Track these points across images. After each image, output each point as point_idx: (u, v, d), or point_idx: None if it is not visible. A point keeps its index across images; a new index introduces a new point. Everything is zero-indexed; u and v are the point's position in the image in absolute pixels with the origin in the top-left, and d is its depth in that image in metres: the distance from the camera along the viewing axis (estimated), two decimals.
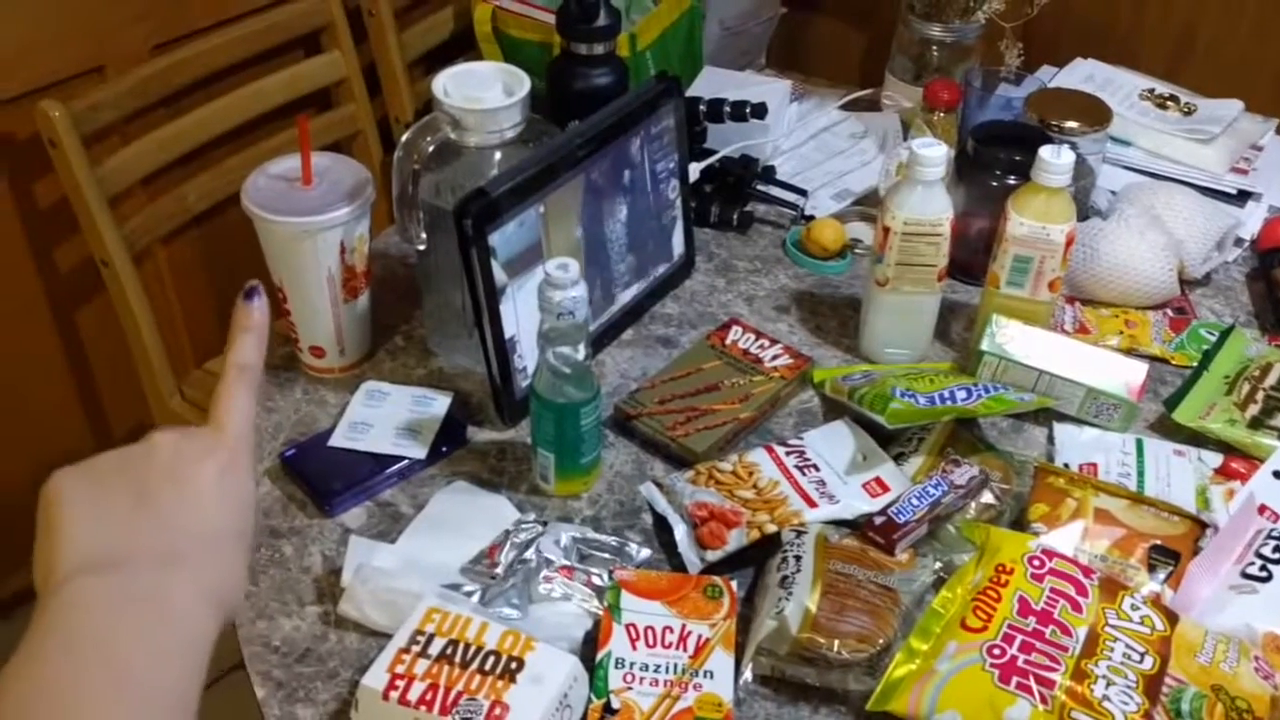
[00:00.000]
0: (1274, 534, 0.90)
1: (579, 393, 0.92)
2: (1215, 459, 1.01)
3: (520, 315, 1.01)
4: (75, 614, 0.49)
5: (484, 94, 1.00)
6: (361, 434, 1.00)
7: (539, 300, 0.88)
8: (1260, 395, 1.05)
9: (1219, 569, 0.88)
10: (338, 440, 1.00)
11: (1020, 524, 0.93)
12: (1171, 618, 0.81)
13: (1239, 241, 1.29)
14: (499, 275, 0.98)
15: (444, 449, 1.01)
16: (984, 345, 1.06)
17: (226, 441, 0.57)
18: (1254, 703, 0.77)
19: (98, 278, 1.47)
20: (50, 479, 0.53)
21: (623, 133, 1.09)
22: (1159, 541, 0.89)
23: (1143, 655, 0.77)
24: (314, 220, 0.99)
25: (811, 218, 1.30)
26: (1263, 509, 0.93)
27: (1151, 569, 0.88)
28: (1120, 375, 1.04)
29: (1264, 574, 0.87)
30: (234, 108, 1.55)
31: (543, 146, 1.02)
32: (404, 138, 0.98)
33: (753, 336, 1.12)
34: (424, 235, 1.01)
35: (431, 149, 0.99)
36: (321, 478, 0.97)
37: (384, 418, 1.02)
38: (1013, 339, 1.06)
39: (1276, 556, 0.88)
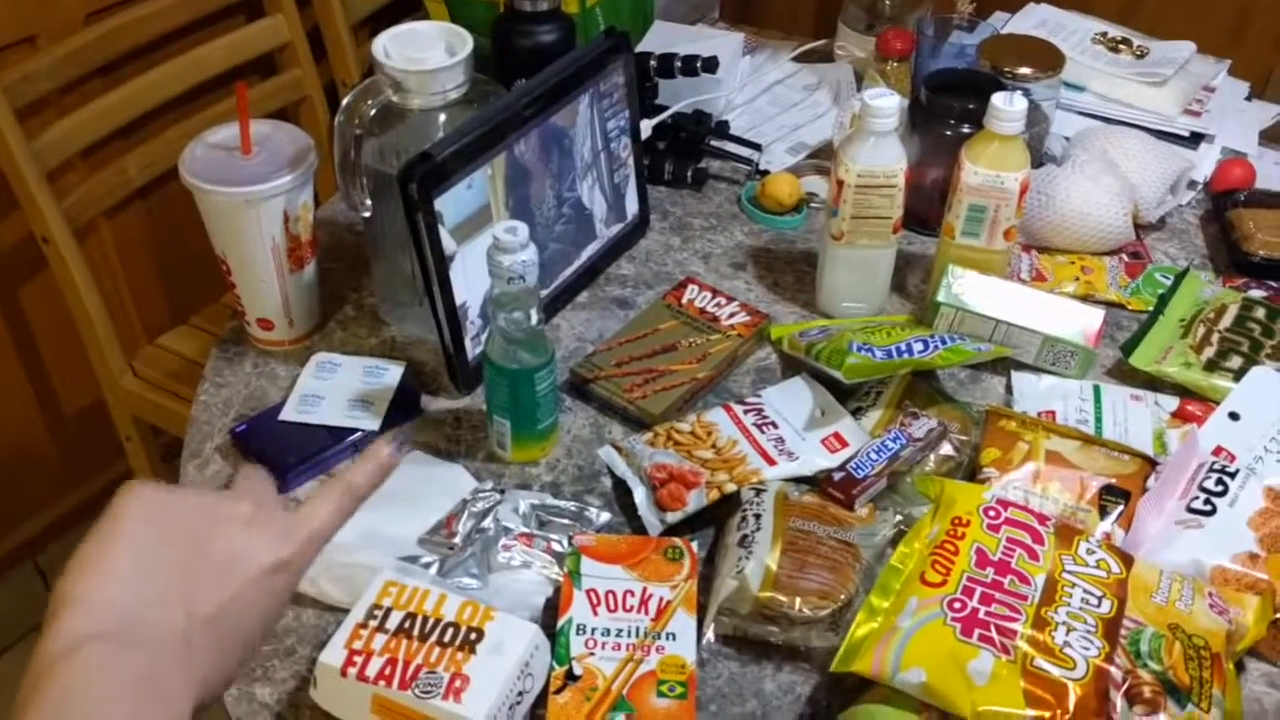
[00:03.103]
0: (1216, 467, 0.90)
1: (533, 358, 0.91)
2: (1172, 403, 1.01)
3: (471, 281, 0.99)
4: (79, 685, 0.49)
5: (426, 54, 0.98)
6: (313, 407, 0.99)
7: (488, 265, 0.86)
8: (1215, 337, 1.05)
9: (1164, 506, 0.88)
10: (289, 414, 0.98)
11: (973, 469, 0.93)
12: (1127, 560, 0.81)
13: (1192, 184, 1.29)
14: (447, 241, 0.96)
15: (398, 419, 0.99)
16: (940, 296, 1.05)
17: (294, 539, 0.59)
18: (1210, 639, 0.77)
19: (40, 255, 1.43)
20: (130, 488, 0.54)
21: (571, 90, 1.07)
22: (1110, 481, 0.90)
23: (1100, 599, 0.78)
24: (255, 190, 0.97)
25: (766, 172, 1.29)
26: (1218, 450, 0.94)
27: (1103, 510, 0.88)
28: (1077, 322, 1.04)
29: (1208, 508, 0.88)
30: (173, 76, 1.51)
31: (488, 107, 1.00)
32: (344, 101, 0.96)
33: (709, 295, 1.11)
34: (368, 202, 0.99)
35: (373, 112, 0.96)
36: (274, 453, 0.95)
37: (336, 390, 1.00)
38: (969, 289, 1.06)
39: (1220, 490, 0.88)
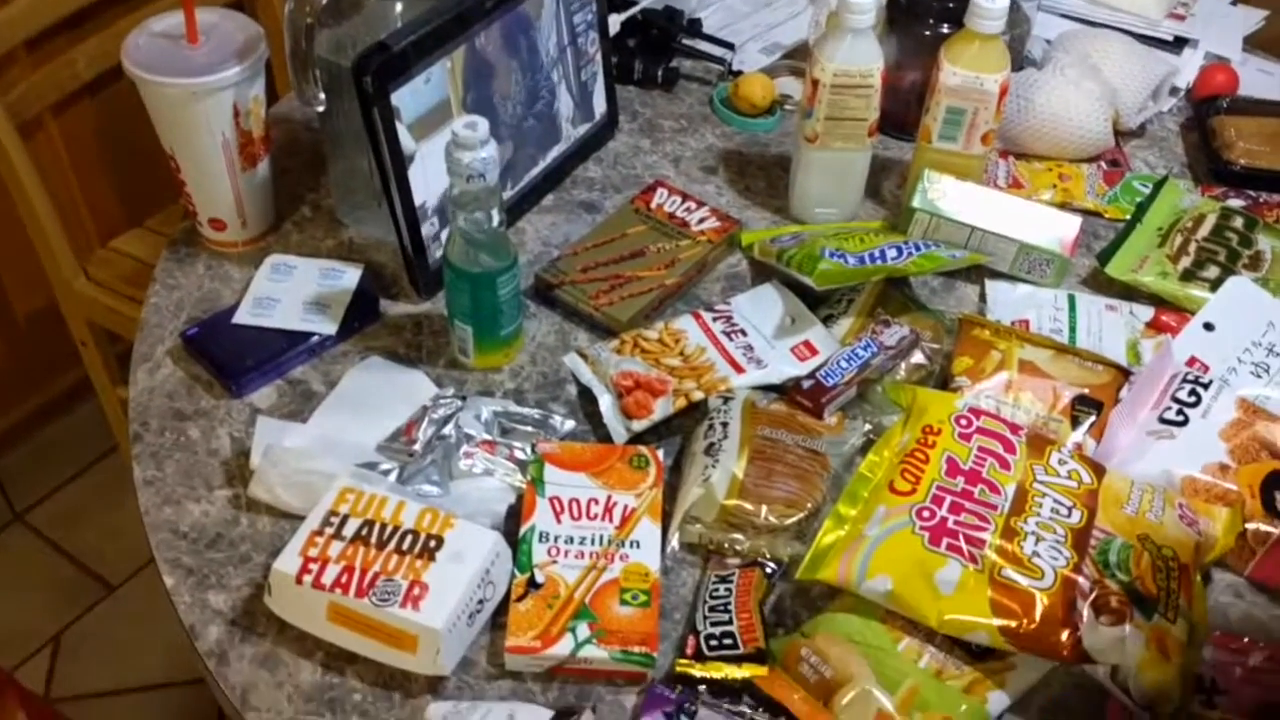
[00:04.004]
0: (1189, 378, 0.89)
1: (494, 261, 0.88)
2: (1146, 313, 0.99)
3: (431, 181, 0.95)
4: None
5: None
6: (268, 310, 0.95)
7: (447, 162, 0.82)
8: (1193, 247, 1.04)
9: (1137, 416, 0.87)
10: (242, 317, 0.95)
11: (945, 378, 0.92)
12: (1098, 470, 0.80)
13: (1174, 90, 1.26)
14: (405, 138, 0.92)
15: (356, 324, 0.96)
16: (915, 202, 1.03)
17: None
18: (1179, 550, 0.77)
19: None
20: None
21: None
22: (1083, 391, 0.88)
23: (1070, 509, 0.77)
24: (202, 81, 0.92)
25: (739, 73, 1.25)
26: (1192, 360, 0.92)
27: (1075, 420, 0.87)
28: (1053, 230, 1.02)
29: (1181, 419, 0.87)
30: None
31: None
32: None
33: (679, 199, 1.08)
34: (322, 96, 0.95)
35: (325, 1, 0.91)
36: (227, 357, 0.92)
37: (291, 292, 0.97)
38: (945, 195, 1.03)
39: (1192, 400, 0.87)
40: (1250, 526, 0.81)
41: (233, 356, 0.92)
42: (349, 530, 0.75)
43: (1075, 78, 1.15)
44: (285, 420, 0.88)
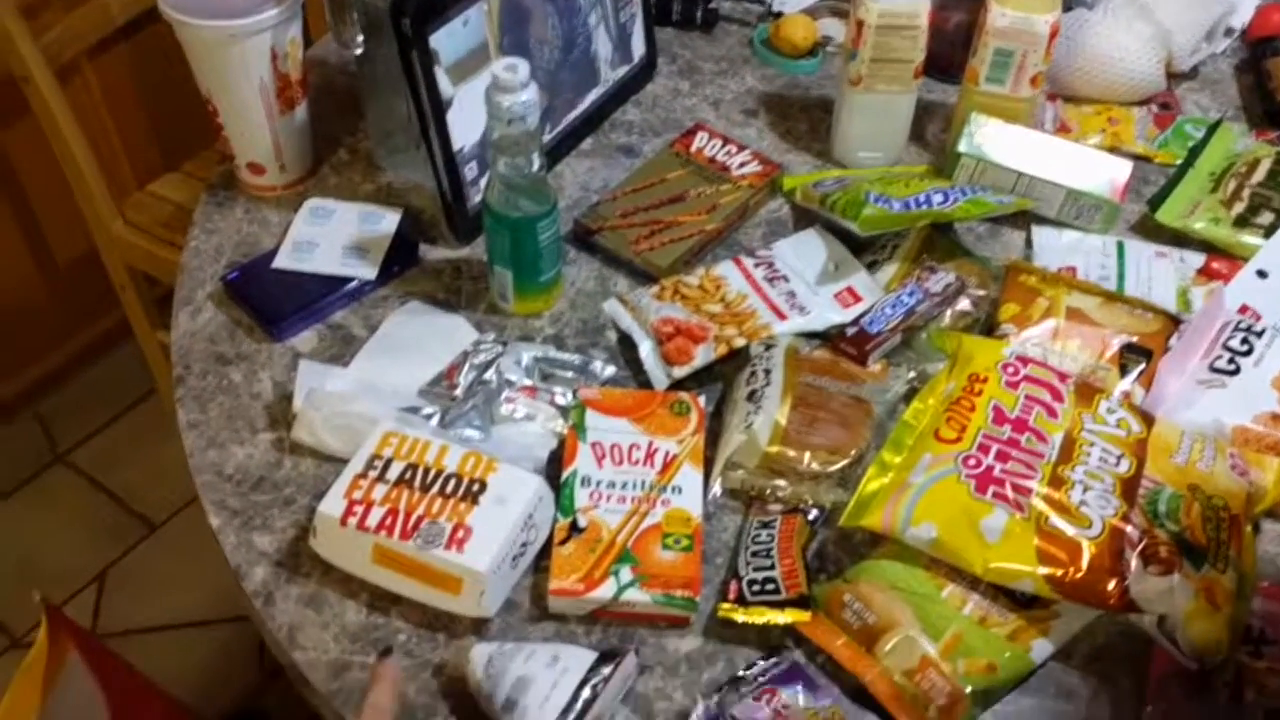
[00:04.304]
0: (1241, 326, 0.87)
1: (534, 206, 0.87)
2: (1198, 259, 0.97)
3: (469, 125, 0.95)
4: None
5: None
6: (307, 254, 0.95)
7: (487, 106, 0.81)
8: (1246, 192, 1.01)
9: (1187, 365, 0.86)
10: (282, 261, 0.95)
11: (991, 325, 0.91)
12: (1147, 419, 0.79)
13: (1229, 31, 1.23)
14: (444, 82, 0.91)
15: (395, 268, 0.96)
16: (961, 146, 1.01)
17: None
18: (1230, 500, 0.76)
19: (23, 99, 1.37)
20: None
21: None
22: (1132, 339, 0.87)
23: (1119, 458, 0.76)
24: (240, 24, 0.91)
25: (780, 14, 1.22)
26: (1244, 308, 0.91)
27: (1123, 369, 0.86)
28: (1102, 175, 1.00)
29: (1232, 367, 0.85)
30: None
31: None
32: None
33: (719, 143, 1.06)
34: (361, 39, 0.93)
35: None
36: (268, 301, 0.92)
37: (330, 236, 0.97)
38: (991, 139, 1.01)
39: (1244, 349, 0.86)
40: None
41: (273, 301, 0.92)
42: (392, 473, 0.76)
43: (1127, 18, 1.12)
44: (327, 364, 0.88)
